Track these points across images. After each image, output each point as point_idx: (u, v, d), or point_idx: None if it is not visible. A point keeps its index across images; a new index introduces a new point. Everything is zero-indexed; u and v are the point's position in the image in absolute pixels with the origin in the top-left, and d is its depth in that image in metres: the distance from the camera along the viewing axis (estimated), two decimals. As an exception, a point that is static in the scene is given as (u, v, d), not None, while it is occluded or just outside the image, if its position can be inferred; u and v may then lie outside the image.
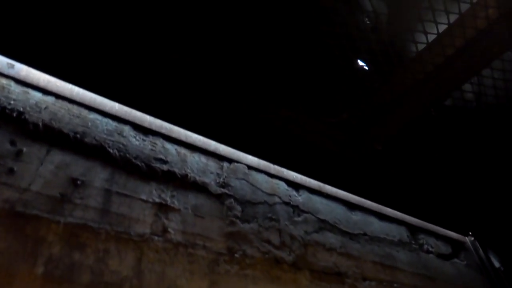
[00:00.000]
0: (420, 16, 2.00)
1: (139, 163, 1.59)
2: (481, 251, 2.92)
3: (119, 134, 1.62)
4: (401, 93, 1.99)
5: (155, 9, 1.64)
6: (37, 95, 1.50)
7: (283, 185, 2.06)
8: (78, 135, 1.50)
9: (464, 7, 1.79)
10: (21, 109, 1.42)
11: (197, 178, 1.73)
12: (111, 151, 1.55)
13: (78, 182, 1.40)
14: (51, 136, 1.44)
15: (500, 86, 2.60)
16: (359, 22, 2.26)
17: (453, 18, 1.75)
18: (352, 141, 2.20)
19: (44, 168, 1.35)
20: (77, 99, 1.59)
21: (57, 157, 1.41)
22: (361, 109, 2.13)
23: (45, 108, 1.48)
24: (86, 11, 1.50)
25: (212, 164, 1.84)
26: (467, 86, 2.65)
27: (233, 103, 1.88)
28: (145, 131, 1.72)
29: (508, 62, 2.34)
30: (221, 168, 1.86)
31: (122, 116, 1.67)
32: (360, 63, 2.41)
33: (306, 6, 1.89)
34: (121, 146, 1.59)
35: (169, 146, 1.75)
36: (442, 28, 1.81)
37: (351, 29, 2.17)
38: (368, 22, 2.31)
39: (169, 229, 1.50)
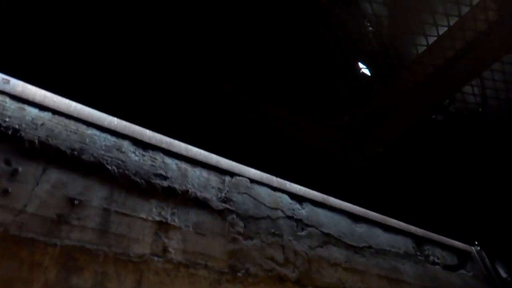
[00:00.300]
0: (421, 18, 1.99)
1: (138, 179, 1.55)
2: (487, 261, 2.87)
3: (118, 149, 1.58)
4: (402, 95, 1.97)
5: (153, 21, 1.60)
6: (33, 111, 1.46)
7: (286, 198, 2.01)
8: (76, 152, 1.46)
9: (464, 9, 1.77)
10: (17, 126, 1.38)
11: (198, 193, 1.68)
12: (110, 168, 1.51)
13: (76, 201, 1.36)
14: (48, 154, 1.40)
15: (500, 88, 2.58)
16: (359, 25, 2.24)
17: (453, 20, 1.75)
18: (353, 143, 2.16)
19: (40, 188, 1.31)
20: (75, 114, 1.54)
21: (54, 175, 1.37)
22: (361, 111, 2.10)
23: (42, 124, 1.44)
24: (82, 24, 1.46)
25: (213, 179, 1.79)
26: (468, 89, 2.64)
27: (232, 107, 1.85)
28: (145, 146, 1.67)
29: (508, 64, 2.31)
30: (223, 182, 1.82)
31: (121, 131, 1.63)
32: (361, 65, 2.38)
33: (306, 9, 1.87)
34: (120, 162, 1.55)
35: (169, 161, 1.70)
36: (442, 30, 1.81)
37: (351, 32, 2.16)
38: (368, 25, 2.29)
39: (170, 249, 1.46)
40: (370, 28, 2.31)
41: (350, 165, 2.39)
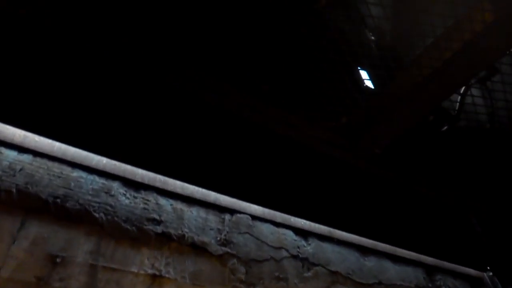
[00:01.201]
0: (418, 20, 2.01)
1: (129, 227, 1.41)
2: (500, 287, 2.73)
3: (106, 193, 1.43)
4: (400, 97, 1.98)
5: (141, 52, 1.46)
6: (12, 154, 1.32)
7: (290, 234, 1.87)
8: (59, 200, 1.31)
9: (461, 10, 1.75)
10: (-8, 174, 1.24)
11: (196, 238, 1.54)
12: (97, 215, 1.36)
13: (58, 259, 1.21)
14: (27, 204, 1.25)
15: (499, 89, 2.55)
16: (357, 28, 2.22)
17: (450, 22, 1.75)
18: (352, 145, 2.15)
19: (17, 246, 1.16)
20: (59, 155, 1.40)
21: (33, 229, 1.22)
22: (360, 112, 2.11)
23: (20, 170, 1.30)
24: (64, 57, 1.32)
25: (212, 219, 1.65)
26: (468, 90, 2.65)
27: (229, 109, 1.82)
28: (137, 186, 1.53)
29: (507, 65, 2.29)
30: (223, 221, 1.67)
31: (110, 171, 1.48)
32: (359, 67, 2.34)
33: (304, 11, 1.84)
34: (108, 208, 1.40)
35: (163, 201, 1.56)
36: (440, 32, 1.82)
37: (349, 35, 2.13)
38: (366, 27, 2.26)
39: (164, 307, 1.31)
40: (368, 30, 2.28)
41: (349, 170, 2.36)
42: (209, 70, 1.71)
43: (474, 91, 2.73)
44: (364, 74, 2.39)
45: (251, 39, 1.85)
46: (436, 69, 1.82)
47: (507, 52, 1.95)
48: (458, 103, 2.74)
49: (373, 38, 2.30)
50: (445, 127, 2.79)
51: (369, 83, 2.34)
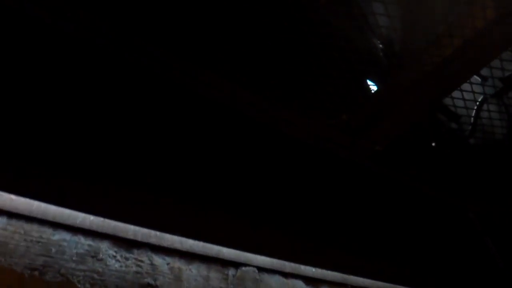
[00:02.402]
0: (419, 17, 1.98)
1: (119, 298, 1.23)
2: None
3: (93, 257, 1.25)
4: (401, 94, 1.96)
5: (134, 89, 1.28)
6: (-18, 219, 1.13)
7: (300, 285, 1.69)
8: (37, 272, 1.13)
9: (462, 7, 1.73)
10: (-43, 247, 1.05)
11: (196, 303, 1.36)
12: (82, 287, 1.18)
13: None
14: (-2, 282, 1.07)
15: (499, 86, 2.52)
16: (358, 25, 2.17)
17: (451, 18, 1.75)
18: (352, 143, 2.13)
19: None
20: (38, 215, 1.22)
21: (5, 313, 1.04)
22: (360, 110, 2.09)
23: (-8, 238, 1.12)
24: (44, 98, 1.14)
25: (214, 276, 1.47)
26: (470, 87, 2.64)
27: (230, 107, 1.78)
28: (129, 244, 1.35)
29: (507, 62, 2.26)
30: (226, 278, 1.49)
31: (98, 230, 1.30)
32: (359, 65, 2.27)
33: (303, 8, 1.80)
34: (95, 276, 1.22)
35: (159, 260, 1.38)
36: (441, 28, 1.80)
37: (349, 32, 2.09)
38: (367, 24, 2.21)
39: None
40: (369, 27, 2.23)
41: (350, 170, 2.29)
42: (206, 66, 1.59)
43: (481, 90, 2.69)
44: (364, 71, 2.31)
45: (249, 34, 1.77)
46: (436, 65, 1.81)
47: (508, 49, 1.93)
48: (474, 113, 2.70)
49: (374, 35, 2.26)
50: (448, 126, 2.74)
51: (370, 80, 2.32)
